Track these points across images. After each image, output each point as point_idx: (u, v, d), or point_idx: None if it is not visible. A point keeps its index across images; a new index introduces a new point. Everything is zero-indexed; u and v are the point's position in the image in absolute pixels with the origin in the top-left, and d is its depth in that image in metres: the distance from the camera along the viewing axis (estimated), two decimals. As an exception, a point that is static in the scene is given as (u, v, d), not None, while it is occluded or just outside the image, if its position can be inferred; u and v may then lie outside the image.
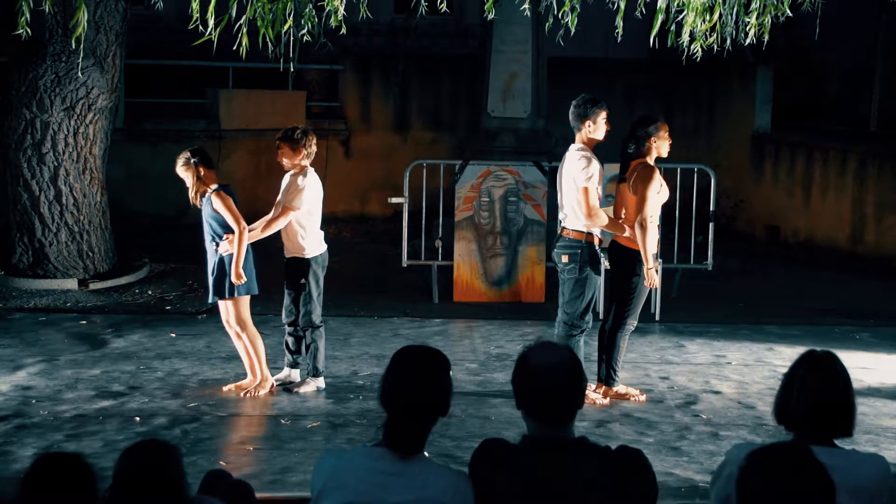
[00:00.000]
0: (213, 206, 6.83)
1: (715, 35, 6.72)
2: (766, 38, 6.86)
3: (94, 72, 9.87)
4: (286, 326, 7.21)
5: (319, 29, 6.31)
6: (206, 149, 7.18)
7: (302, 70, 13.86)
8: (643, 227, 6.78)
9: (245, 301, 6.94)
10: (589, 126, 6.83)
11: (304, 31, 6.21)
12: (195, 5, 5.91)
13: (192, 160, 6.82)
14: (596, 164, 6.82)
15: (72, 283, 9.96)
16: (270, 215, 7.10)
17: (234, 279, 6.79)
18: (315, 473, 3.33)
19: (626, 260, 6.93)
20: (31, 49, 9.49)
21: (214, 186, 6.87)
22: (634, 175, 6.87)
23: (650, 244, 6.82)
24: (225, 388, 7.07)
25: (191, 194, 6.89)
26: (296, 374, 7.25)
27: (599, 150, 6.96)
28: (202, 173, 6.83)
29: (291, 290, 7.13)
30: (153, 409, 6.69)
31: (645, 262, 6.82)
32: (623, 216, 6.99)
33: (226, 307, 6.95)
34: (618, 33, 6.72)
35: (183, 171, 6.86)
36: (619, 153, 7.09)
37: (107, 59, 10.02)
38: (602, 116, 6.84)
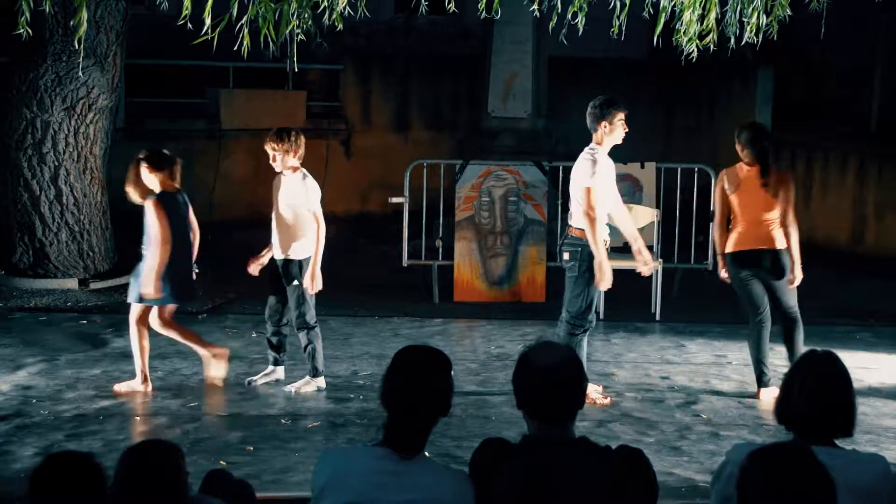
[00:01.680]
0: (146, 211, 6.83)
1: (713, 35, 6.72)
2: (774, 37, 6.87)
3: (95, 71, 9.87)
4: (268, 325, 7.22)
5: (316, 29, 6.31)
6: (163, 152, 6.98)
7: (302, 70, 13.86)
8: (796, 227, 6.98)
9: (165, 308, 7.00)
10: (605, 127, 6.76)
11: (300, 30, 6.21)
12: (187, 2, 5.90)
13: (137, 158, 6.84)
14: (602, 164, 6.74)
15: (72, 283, 9.97)
16: (318, 228, 7.00)
17: (151, 291, 6.80)
18: (315, 473, 3.34)
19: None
20: (31, 49, 9.49)
21: (157, 192, 6.82)
22: (774, 178, 7.11)
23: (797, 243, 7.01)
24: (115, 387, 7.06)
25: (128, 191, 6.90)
26: (280, 372, 7.25)
27: (616, 152, 6.95)
28: (140, 175, 6.80)
29: (281, 290, 7.12)
30: (153, 409, 6.69)
31: (793, 264, 6.97)
32: (738, 218, 7.13)
33: (145, 308, 6.97)
34: (613, 31, 6.71)
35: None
36: (759, 160, 7.30)
37: (107, 59, 10.03)
38: (619, 118, 6.76)
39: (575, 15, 6.52)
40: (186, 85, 13.85)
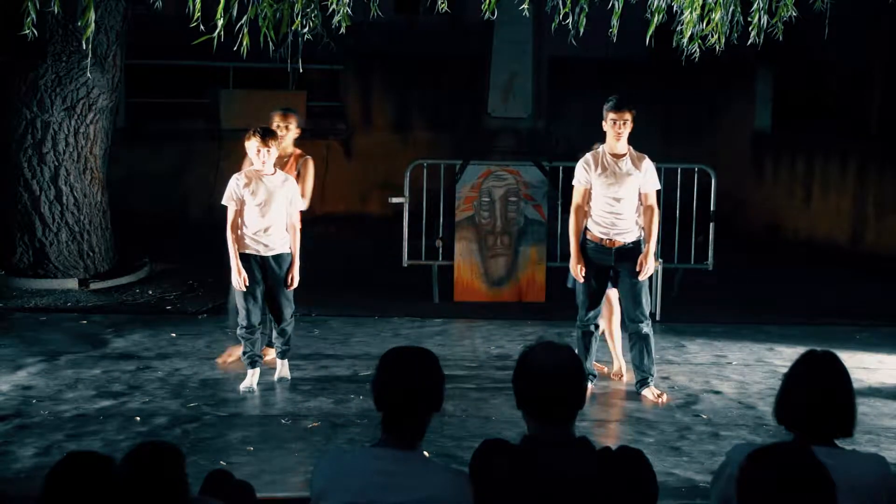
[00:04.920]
0: None
1: (717, 35, 6.73)
2: (780, 37, 6.89)
3: (95, 72, 9.86)
4: (256, 328, 7.09)
5: (323, 31, 6.33)
6: None
7: (303, 70, 13.85)
8: None
9: None
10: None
11: (306, 30, 6.22)
12: (197, 4, 5.91)
13: None
14: (581, 167, 6.92)
15: (72, 283, 9.97)
16: (290, 226, 7.10)
17: None
18: (315, 474, 3.34)
19: None
20: (31, 49, 9.50)
21: None
22: None
23: None
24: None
25: None
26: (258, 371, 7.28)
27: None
28: None
29: (275, 288, 7.12)
30: (153, 409, 6.69)
31: None
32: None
33: None
34: (612, 32, 6.73)
35: None
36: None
37: (107, 59, 10.03)
38: (607, 118, 6.85)
39: (566, 16, 6.54)
40: (186, 85, 13.85)
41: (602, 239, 6.94)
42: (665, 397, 7.07)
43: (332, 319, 8.97)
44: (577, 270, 6.97)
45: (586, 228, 6.97)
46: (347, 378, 7.44)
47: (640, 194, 6.94)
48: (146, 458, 3.12)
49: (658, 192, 7.04)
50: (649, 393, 7.06)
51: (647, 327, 7.01)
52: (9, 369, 7.44)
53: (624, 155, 6.91)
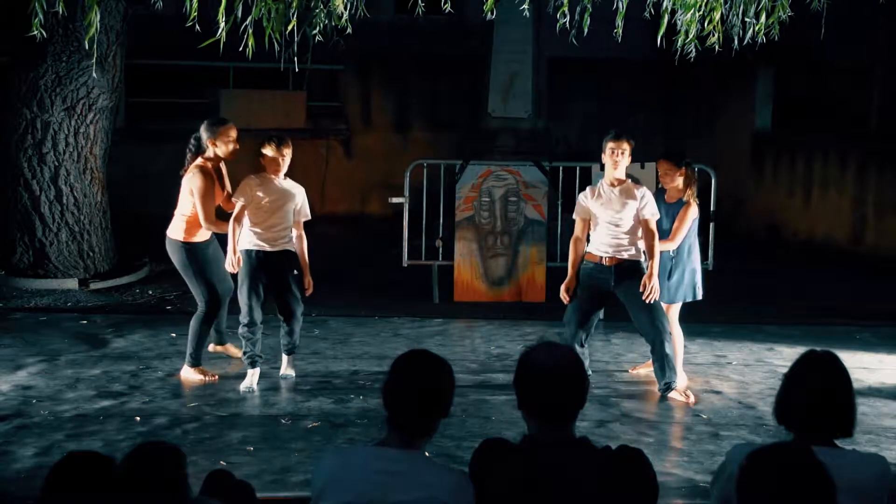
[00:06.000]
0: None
1: (717, 35, 6.74)
2: (776, 37, 6.91)
3: (95, 71, 9.86)
4: (258, 325, 7.11)
5: (332, 30, 6.34)
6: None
7: (303, 70, 13.86)
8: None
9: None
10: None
11: (317, 31, 6.23)
12: (194, 4, 5.91)
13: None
14: (580, 199, 7.15)
15: (72, 283, 9.97)
16: (295, 232, 7.15)
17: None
18: (315, 473, 3.35)
19: None
20: (31, 49, 9.50)
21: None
22: None
23: None
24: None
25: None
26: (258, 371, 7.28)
27: None
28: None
29: (281, 284, 7.14)
30: (153, 409, 6.69)
31: None
32: None
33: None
34: (616, 32, 6.74)
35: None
36: None
37: (107, 59, 10.02)
38: (606, 147, 7.04)
39: (567, 15, 6.55)
40: (186, 85, 13.85)
41: (601, 257, 7.04)
42: (693, 397, 7.10)
43: (332, 319, 8.97)
44: (563, 291, 7.12)
45: (587, 252, 7.13)
46: (347, 378, 7.44)
47: (638, 221, 7.01)
48: (146, 458, 3.12)
49: (657, 219, 7.11)
50: (677, 395, 7.10)
51: (666, 345, 7.03)
52: (9, 369, 7.44)
53: (621, 183, 7.07)
